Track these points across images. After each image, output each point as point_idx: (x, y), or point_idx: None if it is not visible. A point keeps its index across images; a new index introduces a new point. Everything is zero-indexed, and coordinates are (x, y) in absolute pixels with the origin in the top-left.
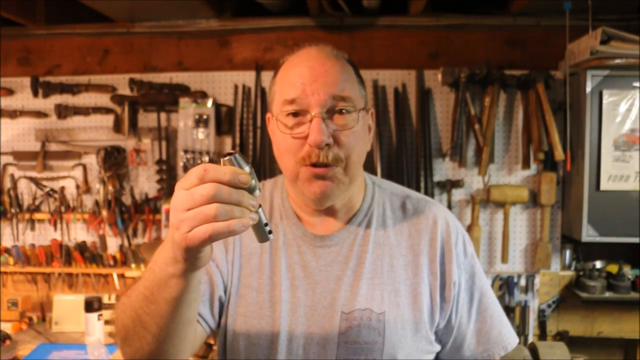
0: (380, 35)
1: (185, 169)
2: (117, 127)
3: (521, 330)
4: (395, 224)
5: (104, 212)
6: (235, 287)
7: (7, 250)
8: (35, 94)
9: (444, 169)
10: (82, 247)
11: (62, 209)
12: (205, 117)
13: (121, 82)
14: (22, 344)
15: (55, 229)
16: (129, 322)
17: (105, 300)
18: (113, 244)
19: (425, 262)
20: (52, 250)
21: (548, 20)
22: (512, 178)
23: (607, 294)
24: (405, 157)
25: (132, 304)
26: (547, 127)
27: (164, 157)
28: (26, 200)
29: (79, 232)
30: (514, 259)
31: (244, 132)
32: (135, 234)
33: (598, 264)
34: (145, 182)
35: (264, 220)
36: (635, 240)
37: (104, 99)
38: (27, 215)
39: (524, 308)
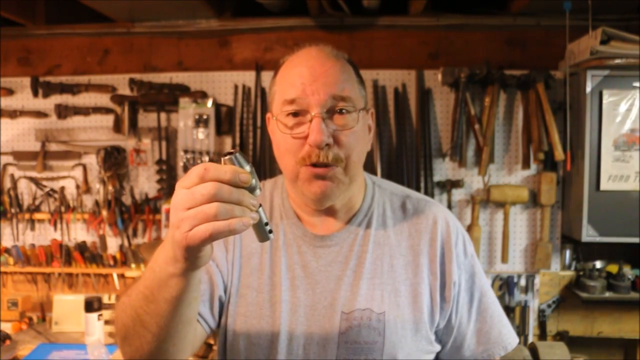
0: (380, 35)
1: (185, 169)
2: (117, 127)
3: (521, 330)
4: (395, 224)
5: (104, 212)
6: (236, 287)
7: (7, 250)
8: (35, 94)
9: (444, 169)
10: (82, 247)
11: (62, 209)
12: (205, 117)
13: (121, 82)
14: (22, 344)
15: (55, 229)
16: (129, 322)
17: (105, 300)
18: (113, 244)
19: (425, 262)
20: (52, 250)
21: (548, 20)
22: (512, 178)
23: (607, 294)
24: (405, 157)
25: (132, 303)
26: (547, 127)
27: (164, 157)
28: (26, 200)
29: (79, 232)
30: (514, 259)
31: (244, 132)
32: (135, 234)
33: (598, 264)
34: (145, 182)
35: (265, 220)
36: (635, 240)
37: (104, 99)
38: (27, 215)
39: (524, 308)
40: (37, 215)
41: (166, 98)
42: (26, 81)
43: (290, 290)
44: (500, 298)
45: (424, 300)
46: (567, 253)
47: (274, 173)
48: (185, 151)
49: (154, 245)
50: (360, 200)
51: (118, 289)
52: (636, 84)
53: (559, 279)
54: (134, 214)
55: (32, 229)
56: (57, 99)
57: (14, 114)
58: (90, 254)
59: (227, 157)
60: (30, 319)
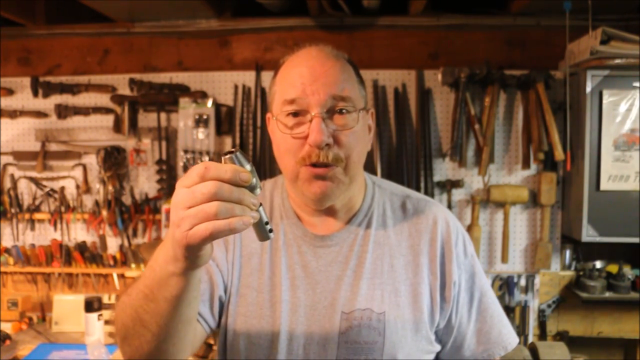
0: (380, 35)
1: (185, 169)
2: (117, 127)
3: (521, 330)
4: (395, 223)
5: (104, 212)
6: (236, 287)
7: (7, 250)
8: (35, 94)
9: (444, 169)
10: (82, 247)
11: (62, 209)
12: (205, 117)
13: (121, 82)
14: (22, 344)
15: (55, 229)
16: (129, 321)
17: (105, 300)
18: (113, 244)
19: (426, 262)
20: (52, 250)
21: (548, 20)
22: (512, 178)
23: (607, 294)
24: (405, 157)
25: (132, 302)
26: (547, 127)
27: (164, 157)
28: (26, 200)
29: (79, 232)
30: (514, 259)
31: (244, 132)
32: (135, 234)
33: (598, 264)
34: (145, 182)
35: (265, 219)
36: (635, 240)
37: (104, 99)
38: (27, 215)
39: (524, 308)
40: (37, 215)
41: (166, 98)
42: (26, 81)
43: (290, 290)
44: (500, 298)
45: (424, 300)
46: (567, 253)
47: (274, 173)
48: (185, 151)
49: (154, 245)
50: (360, 200)
51: (118, 289)
52: (636, 84)
53: (559, 279)
54: (134, 214)
55: (32, 229)
56: (57, 99)
57: (14, 114)
58: (90, 254)
59: (227, 156)
60: (30, 319)
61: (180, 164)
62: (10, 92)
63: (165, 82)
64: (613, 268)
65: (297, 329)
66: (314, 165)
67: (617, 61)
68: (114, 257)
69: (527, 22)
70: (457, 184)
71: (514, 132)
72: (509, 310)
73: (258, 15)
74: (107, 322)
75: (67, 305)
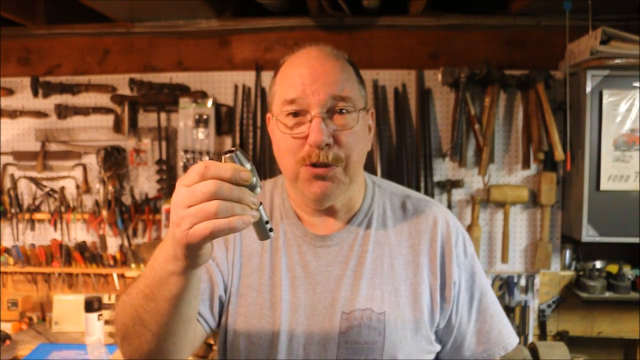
0: (380, 35)
1: (185, 169)
2: (117, 127)
3: (521, 330)
4: (395, 223)
5: (104, 212)
6: (236, 286)
7: (7, 250)
8: (35, 94)
9: (444, 169)
10: (82, 247)
11: (62, 209)
12: (205, 117)
13: (121, 82)
14: (22, 344)
15: (55, 229)
16: (129, 320)
17: (105, 300)
18: (113, 244)
19: (426, 262)
20: (52, 250)
21: (548, 20)
22: (512, 178)
23: (607, 294)
24: (405, 157)
25: (132, 301)
26: (547, 127)
27: (164, 157)
28: (26, 200)
29: (79, 232)
30: (514, 259)
31: (244, 132)
32: (135, 234)
33: (598, 264)
34: (145, 182)
35: (265, 218)
36: (635, 240)
37: (104, 99)
38: (27, 215)
39: (524, 308)
40: (37, 215)
41: (166, 98)
42: (26, 81)
43: (290, 290)
44: (500, 298)
45: (424, 300)
46: (567, 253)
47: (274, 173)
48: (185, 151)
49: (154, 245)
50: (360, 200)
51: (118, 289)
52: (636, 84)
53: (559, 279)
54: (134, 214)
55: (32, 229)
56: (57, 99)
57: (14, 114)
58: (90, 254)
59: (227, 155)
60: (30, 319)
61: (180, 164)
62: (10, 92)
63: (165, 82)
64: (613, 268)
65: (297, 329)
66: (314, 165)
67: (617, 61)
68: (114, 257)
69: (527, 22)
70: (457, 184)
71: (514, 132)
72: (509, 310)
73: (258, 15)
74: (107, 322)
75: (67, 305)
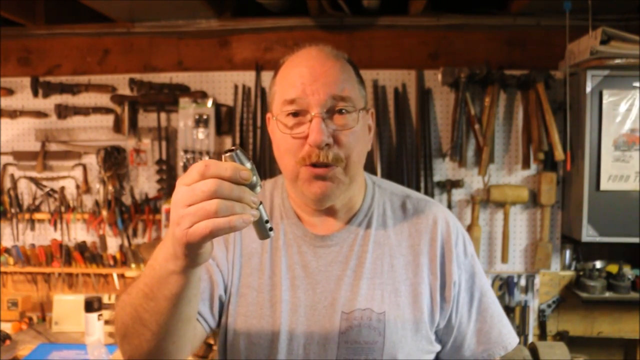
0: (380, 35)
1: (185, 169)
2: (117, 127)
3: (521, 330)
4: (395, 223)
5: (104, 212)
6: (236, 286)
7: (7, 250)
8: (35, 94)
9: (444, 169)
10: (82, 247)
11: (62, 209)
12: (205, 117)
13: (121, 82)
14: (22, 344)
15: (55, 229)
16: (128, 320)
17: (105, 300)
18: (113, 244)
19: (426, 262)
20: (52, 250)
21: (548, 20)
22: (512, 178)
23: (607, 294)
24: (405, 157)
25: (131, 301)
26: (547, 127)
27: (164, 157)
28: (26, 200)
29: (79, 232)
30: (514, 259)
31: (244, 132)
32: (135, 234)
33: (598, 264)
34: (145, 182)
35: (265, 217)
36: (635, 240)
37: (104, 99)
38: (27, 215)
39: (524, 308)
40: (37, 215)
41: (166, 98)
42: (26, 81)
43: (290, 290)
44: (500, 298)
45: (424, 300)
46: (567, 253)
47: (274, 173)
48: (185, 151)
49: (154, 245)
50: (360, 200)
51: (118, 289)
52: (636, 84)
53: (559, 279)
54: (134, 214)
55: (32, 229)
56: (57, 99)
57: (14, 114)
58: (90, 254)
59: (227, 154)
60: (30, 319)
61: (180, 164)
62: (10, 92)
63: (165, 82)
64: (613, 268)
65: (297, 329)
66: (314, 165)
67: (617, 61)
68: (114, 257)
69: (527, 22)
70: (457, 184)
71: (514, 132)
72: (509, 310)
73: (258, 15)
74: (107, 322)
75: (67, 305)
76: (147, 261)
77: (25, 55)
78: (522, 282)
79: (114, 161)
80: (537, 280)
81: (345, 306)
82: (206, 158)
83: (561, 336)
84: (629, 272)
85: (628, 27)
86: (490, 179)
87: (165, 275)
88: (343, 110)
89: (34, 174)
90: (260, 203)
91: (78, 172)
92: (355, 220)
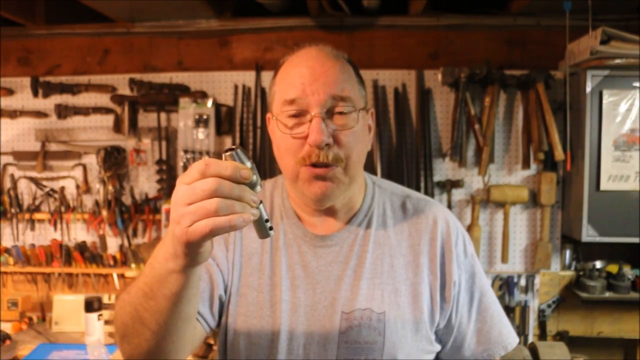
0: (380, 35)
1: (185, 169)
2: (117, 127)
3: (521, 330)
4: (395, 223)
5: (104, 212)
6: (236, 286)
7: (7, 250)
8: (35, 94)
9: (444, 169)
10: (82, 247)
11: (62, 209)
12: (205, 117)
13: (121, 82)
14: (22, 344)
15: (55, 229)
16: (128, 319)
17: (105, 300)
18: (113, 244)
19: (426, 262)
20: (52, 250)
21: (548, 20)
22: (512, 178)
23: (607, 294)
24: (405, 157)
25: (131, 300)
26: (547, 127)
27: (164, 157)
28: (26, 200)
29: (79, 232)
30: (514, 259)
31: (244, 132)
32: (135, 234)
33: (598, 264)
34: (145, 182)
35: (265, 216)
36: (635, 240)
37: (104, 99)
38: (27, 215)
39: (524, 308)
40: (37, 215)
41: (166, 98)
42: (26, 81)
43: (290, 290)
44: (500, 298)
45: (424, 300)
46: (567, 253)
47: (274, 173)
48: (185, 151)
49: (154, 245)
50: (360, 200)
51: (118, 289)
52: (636, 84)
53: (559, 279)
54: (134, 214)
55: (32, 229)
56: (57, 99)
57: (14, 114)
58: (90, 254)
59: (228, 153)
60: (30, 319)
61: (180, 164)
62: (10, 92)
63: (165, 82)
64: (613, 268)
65: (297, 329)
66: (314, 165)
67: (617, 61)
68: (114, 257)
69: (527, 22)
70: (457, 184)
71: (514, 132)
72: (509, 310)
73: (258, 15)
74: (107, 322)
75: (67, 305)
76: (147, 260)
77: (25, 55)
78: (522, 282)
79: (114, 161)
80: (537, 280)
81: (345, 306)
82: (206, 157)
83: (561, 336)
84: (629, 272)
85: (628, 27)
86: (490, 179)
87: (165, 274)
88: (343, 111)
89: (34, 174)
90: (260, 202)
91: (78, 172)
92: (355, 220)
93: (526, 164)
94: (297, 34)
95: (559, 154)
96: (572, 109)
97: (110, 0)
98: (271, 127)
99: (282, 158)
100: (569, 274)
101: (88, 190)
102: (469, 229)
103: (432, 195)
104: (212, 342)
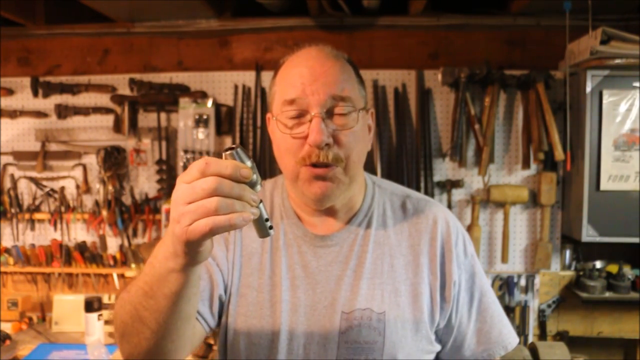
0: (380, 35)
1: (185, 168)
2: (117, 127)
3: (521, 330)
4: (395, 223)
5: (104, 212)
6: (236, 286)
7: (7, 250)
8: (35, 94)
9: (444, 169)
10: (82, 247)
11: (62, 209)
12: (205, 117)
13: (121, 82)
14: (22, 344)
15: (55, 229)
16: (128, 318)
17: (105, 300)
18: (113, 244)
19: (426, 262)
20: (52, 250)
21: (548, 20)
22: (512, 178)
23: (607, 294)
24: (405, 157)
25: (131, 299)
26: (547, 127)
27: (164, 157)
28: (26, 200)
29: (79, 232)
30: (514, 259)
31: (244, 132)
32: (135, 234)
33: (598, 264)
34: (145, 182)
35: (265, 215)
36: (635, 240)
37: (104, 99)
38: (27, 215)
39: (524, 308)
40: (37, 215)
41: (166, 98)
42: (26, 81)
43: (290, 290)
44: (500, 298)
45: (424, 300)
46: (567, 253)
47: (274, 173)
48: (185, 151)
49: (153, 245)
50: (360, 200)
51: (118, 289)
52: (636, 84)
53: (559, 279)
54: (134, 214)
55: (32, 229)
56: (57, 99)
57: (14, 114)
58: (90, 254)
59: (228, 152)
60: (30, 319)
61: (180, 164)
62: (10, 92)
63: (165, 82)
64: (613, 268)
65: (297, 329)
66: (314, 165)
67: (617, 61)
68: (114, 257)
69: (527, 22)
70: (457, 184)
71: (514, 132)
72: (509, 310)
73: (258, 15)
74: (107, 322)
75: (67, 305)
76: (147, 260)
77: (25, 55)
78: (522, 282)
79: (114, 161)
80: (537, 280)
81: (345, 306)
82: (206, 156)
83: (561, 336)
84: (629, 272)
85: (628, 27)
86: (490, 179)
87: (165, 273)
88: (343, 111)
89: (34, 174)
90: (260, 201)
91: (78, 172)
92: (355, 220)
93: (526, 164)
94: (297, 34)
95: (559, 154)
96: (572, 109)
97: (110, 0)
98: (271, 127)
99: (282, 158)
100: (569, 274)
101: (88, 190)
102: (469, 229)
103: (432, 195)
104: (212, 342)
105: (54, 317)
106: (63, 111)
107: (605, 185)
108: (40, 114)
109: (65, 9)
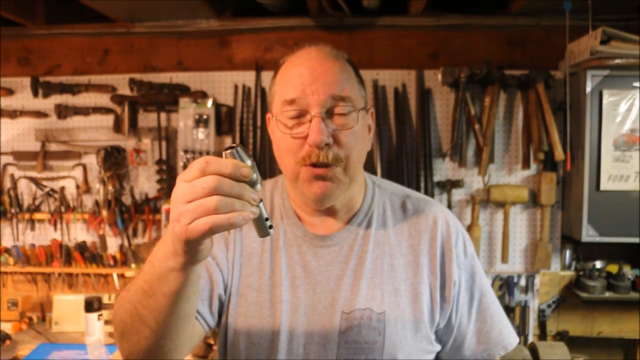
0: (380, 35)
1: (185, 168)
2: (117, 127)
3: (521, 330)
4: (395, 223)
5: (104, 212)
6: (236, 286)
7: (7, 250)
8: (35, 94)
9: (444, 169)
10: (82, 247)
11: (62, 209)
12: (205, 117)
13: (121, 82)
14: (22, 344)
15: (55, 229)
16: (127, 317)
17: (105, 300)
18: (113, 244)
19: (426, 262)
20: (52, 250)
21: (548, 20)
22: (512, 178)
23: (607, 294)
24: (405, 157)
25: (130, 298)
26: (547, 127)
27: (164, 157)
28: (26, 200)
29: (79, 232)
30: (514, 259)
31: (244, 132)
32: (135, 234)
33: (598, 264)
34: (145, 182)
35: (265, 215)
36: (635, 240)
37: (104, 99)
38: (27, 215)
39: (524, 308)
40: (37, 215)
41: (166, 98)
42: (26, 81)
43: (290, 290)
44: (500, 298)
45: (424, 300)
46: (567, 253)
47: (274, 173)
48: (185, 151)
49: (153, 245)
50: (360, 200)
51: (118, 289)
52: (636, 84)
53: (559, 279)
54: (134, 214)
55: (32, 229)
56: (57, 99)
57: (14, 114)
58: (90, 254)
59: (228, 151)
60: (30, 319)
61: (180, 164)
62: (10, 92)
63: (165, 82)
64: (613, 268)
65: (297, 329)
66: (314, 165)
67: (617, 61)
68: (114, 257)
69: (527, 22)
70: (457, 184)
71: (514, 132)
72: (509, 310)
73: (258, 15)
74: (107, 322)
75: (67, 305)
76: (147, 259)
77: (25, 55)
78: (522, 282)
79: (114, 161)
80: (537, 280)
81: (345, 306)
82: (206, 155)
83: (561, 336)
84: (629, 272)
85: (628, 27)
86: (490, 179)
87: (164, 272)
88: (343, 111)
89: (34, 174)
90: (260, 200)
91: (78, 172)
92: (355, 220)
93: (526, 164)
94: (297, 34)
95: (559, 154)
96: (572, 109)
97: (110, 0)
98: (271, 127)
99: (282, 158)
100: (569, 274)
101: (88, 190)
102: (469, 229)
103: (432, 195)
104: (212, 342)
105: (54, 317)
106: (63, 111)
107: (605, 185)
108: (40, 114)
109: (65, 9)
